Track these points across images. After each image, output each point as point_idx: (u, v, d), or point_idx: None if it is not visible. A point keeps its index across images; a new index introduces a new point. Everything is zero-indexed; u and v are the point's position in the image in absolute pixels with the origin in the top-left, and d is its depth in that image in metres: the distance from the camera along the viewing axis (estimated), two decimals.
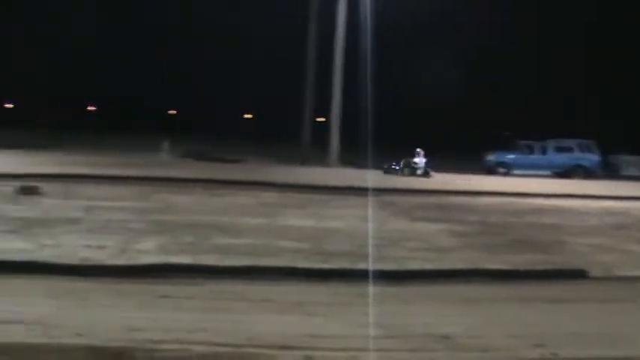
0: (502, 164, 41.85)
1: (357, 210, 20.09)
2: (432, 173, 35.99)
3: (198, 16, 71.22)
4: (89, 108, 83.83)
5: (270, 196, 22.24)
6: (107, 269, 10.69)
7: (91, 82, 73.29)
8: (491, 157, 42.58)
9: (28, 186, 20.12)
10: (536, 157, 41.95)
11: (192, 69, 73.40)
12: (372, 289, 10.53)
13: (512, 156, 42.27)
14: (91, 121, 74.38)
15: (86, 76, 72.75)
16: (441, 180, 32.38)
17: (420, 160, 36.67)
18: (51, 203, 18.27)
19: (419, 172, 35.96)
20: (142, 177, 25.31)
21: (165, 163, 35.02)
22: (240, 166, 35.19)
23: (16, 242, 12.62)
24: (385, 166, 36.47)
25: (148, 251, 12.29)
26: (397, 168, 36.20)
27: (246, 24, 67.97)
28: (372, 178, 29.61)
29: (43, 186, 20.43)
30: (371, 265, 11.88)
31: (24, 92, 74.51)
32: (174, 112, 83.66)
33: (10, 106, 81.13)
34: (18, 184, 20.55)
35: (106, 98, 77.98)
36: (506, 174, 40.38)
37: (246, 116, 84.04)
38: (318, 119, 46.34)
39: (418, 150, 37.01)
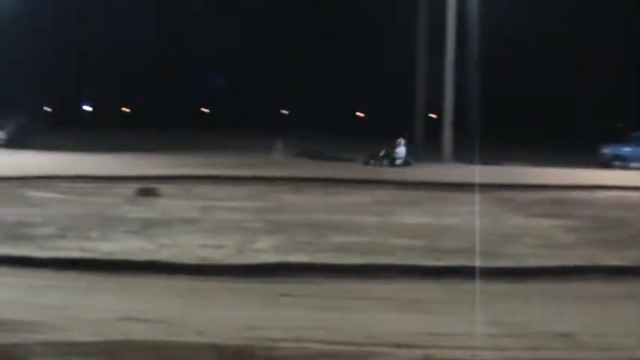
0: (618, 157, 40.56)
1: (471, 206, 19.92)
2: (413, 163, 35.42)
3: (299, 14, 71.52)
4: (203, 109, 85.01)
5: (384, 194, 22.21)
6: (226, 268, 10.87)
7: (203, 82, 74.25)
8: (607, 151, 41.30)
9: (146, 187, 20.57)
10: None
11: (303, 67, 73.79)
12: (488, 286, 10.47)
13: (628, 149, 40.89)
14: (205, 122, 75.44)
15: (199, 76, 73.82)
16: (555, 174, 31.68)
17: (400, 150, 36.18)
18: (168, 204, 18.63)
19: (398, 162, 35.36)
20: (257, 177, 25.57)
21: (279, 162, 35.27)
22: (353, 165, 35.21)
23: (136, 242, 12.91)
24: (366, 158, 36.09)
25: (265, 250, 12.41)
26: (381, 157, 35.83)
27: (357, 22, 68.01)
28: (485, 173, 29.32)
29: (161, 187, 20.85)
30: (487, 262, 11.80)
31: (139, 96, 76.10)
32: (287, 111, 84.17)
33: (127, 110, 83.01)
34: (136, 185, 21.04)
35: (219, 99, 78.94)
36: (622, 167, 39.19)
37: (358, 114, 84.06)
38: (430, 115, 46.12)
39: (399, 140, 36.56)
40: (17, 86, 53.82)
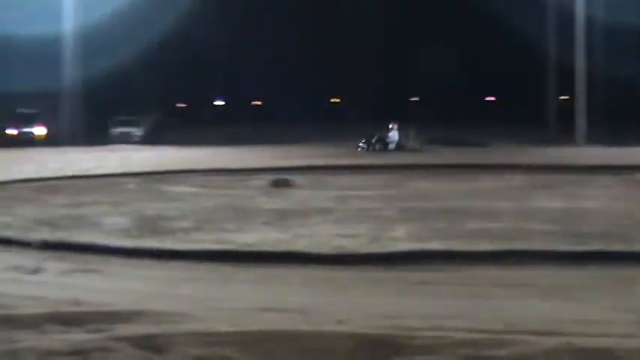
0: None
1: (609, 189, 19.46)
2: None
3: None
4: (333, 100, 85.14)
5: (518, 179, 21.86)
6: (362, 258, 10.85)
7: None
8: None
9: (279, 179, 20.79)
10: None
11: (429, 55, 73.14)
12: (629, 271, 10.16)
13: None
14: (333, 113, 75.68)
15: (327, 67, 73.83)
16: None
17: (393, 135, 35.27)
18: (302, 194, 18.78)
19: (391, 146, 34.81)
20: (389, 165, 25.57)
21: (410, 149, 35.17)
22: (485, 150, 34.82)
23: (272, 233, 13.03)
24: (361, 143, 35.30)
25: (400, 239, 12.32)
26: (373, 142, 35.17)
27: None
28: (619, 155, 28.57)
29: (294, 178, 21.03)
30: (627, 247, 11.46)
31: (269, 89, 76.70)
32: (417, 99, 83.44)
33: (259, 103, 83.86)
34: (270, 177, 21.29)
35: (347, 90, 78.82)
36: None
37: (488, 99, 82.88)
38: (562, 97, 45.17)
39: (391, 125, 35.67)
40: (151, 83, 55.13)
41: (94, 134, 46.75)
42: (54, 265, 10.83)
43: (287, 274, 10.03)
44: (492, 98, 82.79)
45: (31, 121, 49.47)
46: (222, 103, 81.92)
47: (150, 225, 14.22)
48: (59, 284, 9.63)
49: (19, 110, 50.10)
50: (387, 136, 35.78)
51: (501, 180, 21.57)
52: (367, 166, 25.47)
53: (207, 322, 7.59)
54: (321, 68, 72.08)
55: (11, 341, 7.02)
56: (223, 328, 7.35)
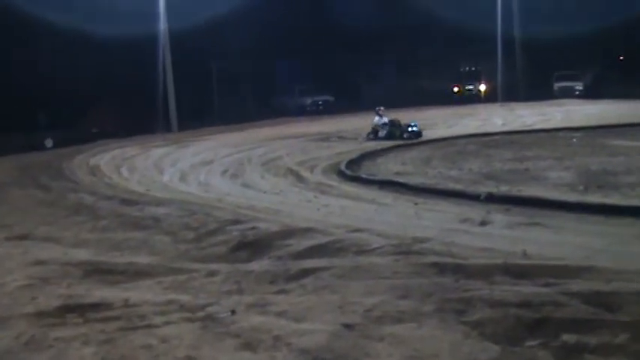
0: None
1: None
2: None
3: None
4: None
5: None
6: None
7: None
8: None
9: None
10: None
11: None
12: None
13: None
14: None
15: None
16: None
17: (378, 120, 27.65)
18: None
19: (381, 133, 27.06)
20: None
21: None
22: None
23: None
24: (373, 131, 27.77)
25: None
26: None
27: None
28: None
29: None
30: None
31: None
32: None
33: None
34: None
35: None
36: None
37: None
38: None
39: (379, 108, 28.08)
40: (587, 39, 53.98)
41: (534, 89, 47.17)
42: (500, 217, 11.05)
43: None
44: None
45: (474, 78, 51.45)
46: None
47: (595, 179, 14.05)
48: (506, 237, 9.76)
49: (462, 69, 52.31)
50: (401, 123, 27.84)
51: None
52: None
53: None
54: None
55: (463, 290, 7.26)
56: None
